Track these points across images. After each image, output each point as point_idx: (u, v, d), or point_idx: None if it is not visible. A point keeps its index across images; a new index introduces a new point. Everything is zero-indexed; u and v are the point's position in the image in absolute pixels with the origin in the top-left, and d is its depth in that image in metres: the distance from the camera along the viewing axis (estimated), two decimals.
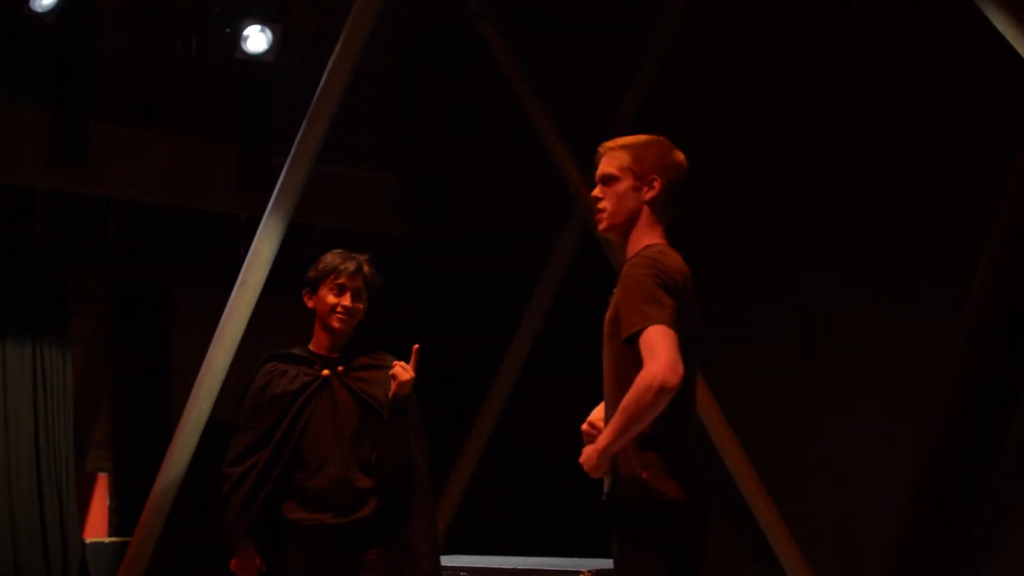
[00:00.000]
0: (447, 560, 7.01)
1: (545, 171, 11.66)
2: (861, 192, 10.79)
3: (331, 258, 5.73)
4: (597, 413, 4.69)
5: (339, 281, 5.65)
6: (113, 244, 12.45)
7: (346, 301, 5.63)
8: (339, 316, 5.63)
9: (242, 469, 5.62)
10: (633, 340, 4.31)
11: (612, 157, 4.61)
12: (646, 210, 4.58)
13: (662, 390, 4.21)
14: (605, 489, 4.58)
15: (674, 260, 4.50)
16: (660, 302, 4.31)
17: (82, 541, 12.14)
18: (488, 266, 12.73)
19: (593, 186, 4.70)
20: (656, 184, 4.56)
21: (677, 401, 4.34)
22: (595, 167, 4.68)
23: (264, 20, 11.74)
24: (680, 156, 4.63)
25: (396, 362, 5.54)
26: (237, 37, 11.76)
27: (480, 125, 13.13)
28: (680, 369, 4.23)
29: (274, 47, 11.76)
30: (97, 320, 12.86)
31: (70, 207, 12.12)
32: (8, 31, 11.60)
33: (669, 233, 4.63)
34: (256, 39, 11.74)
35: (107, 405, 12.90)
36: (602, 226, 4.65)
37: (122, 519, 12.47)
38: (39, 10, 10.97)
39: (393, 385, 5.47)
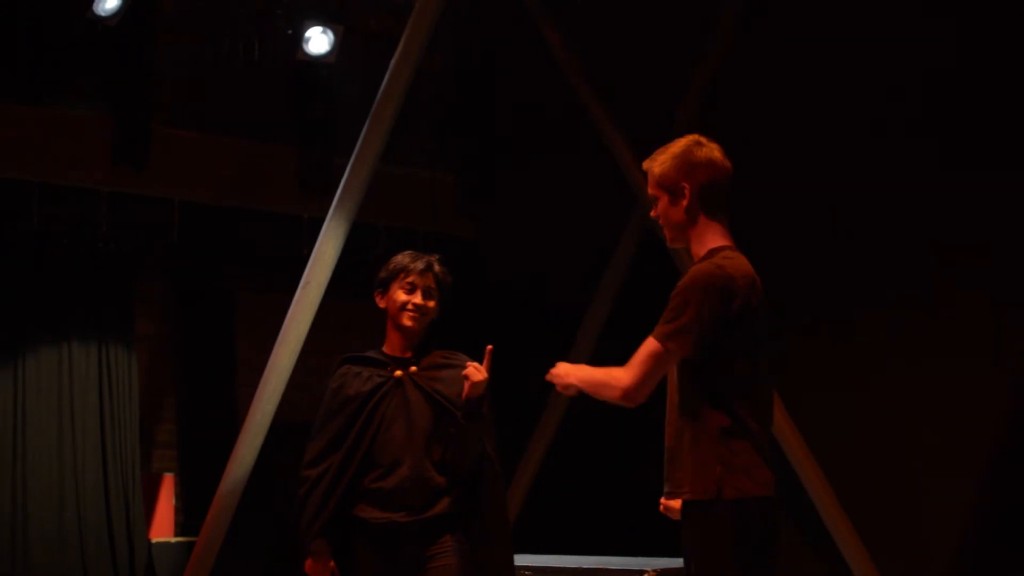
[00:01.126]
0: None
1: (606, 169, 11.62)
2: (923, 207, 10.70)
3: (401, 258, 5.75)
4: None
5: (409, 279, 5.66)
6: (176, 245, 12.52)
7: (417, 299, 5.64)
8: (410, 314, 5.64)
9: (317, 472, 5.62)
10: (651, 342, 4.46)
11: (649, 177, 4.73)
12: (692, 216, 4.65)
13: (616, 401, 4.52)
14: (667, 489, 4.62)
15: (738, 264, 4.55)
16: (694, 325, 4.39)
17: (148, 541, 12.21)
18: (550, 265, 12.71)
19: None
20: (686, 191, 4.64)
21: (749, 396, 4.45)
22: None
23: (325, 21, 11.76)
24: (705, 153, 4.67)
25: (469, 363, 5.54)
26: (298, 38, 11.79)
27: (541, 124, 13.10)
28: (641, 398, 4.47)
29: (335, 48, 11.78)
30: (161, 321, 12.95)
31: (133, 209, 12.19)
32: (71, 35, 11.69)
33: (733, 228, 4.69)
34: (317, 40, 11.76)
35: (172, 406, 12.98)
36: (668, 243, 4.80)
37: (188, 519, 12.55)
38: (102, 14, 11.04)
39: (466, 386, 5.47)
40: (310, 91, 13.08)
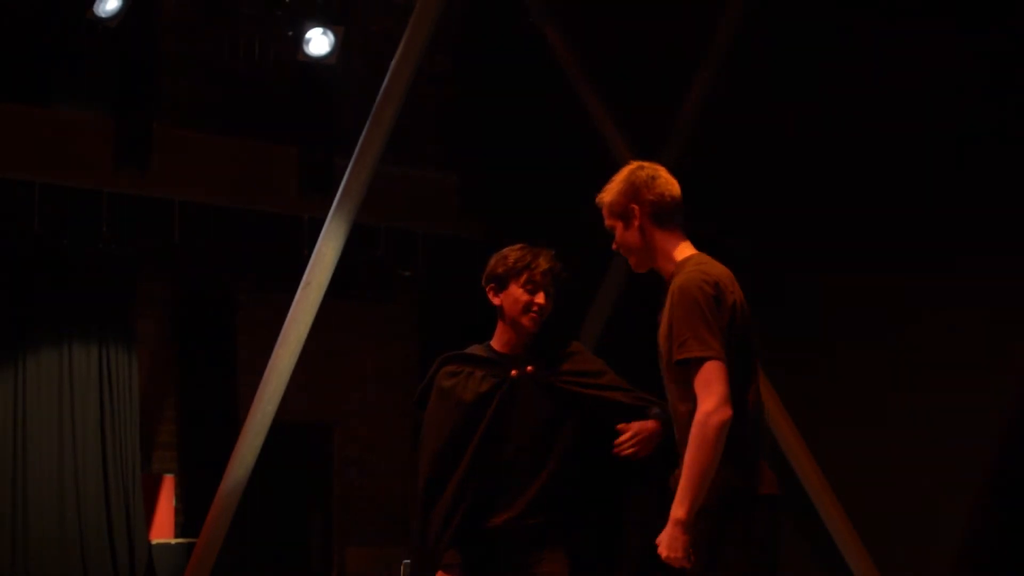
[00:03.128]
0: None
1: (607, 171, 11.61)
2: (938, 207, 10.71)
3: (521, 254, 5.44)
4: None
5: (533, 278, 5.39)
6: (178, 246, 12.52)
7: (540, 300, 5.37)
8: (533, 316, 5.36)
9: (440, 480, 5.34)
10: (687, 364, 4.47)
11: (603, 211, 4.87)
12: (648, 235, 4.78)
13: (722, 425, 4.39)
14: (672, 486, 4.59)
15: (715, 266, 4.64)
16: (713, 330, 4.46)
17: (148, 542, 12.21)
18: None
19: None
20: (636, 212, 4.77)
21: (746, 393, 4.55)
22: None
23: (326, 23, 11.77)
24: (647, 173, 4.82)
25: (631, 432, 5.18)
26: (299, 39, 11.79)
27: (542, 125, 13.10)
28: (729, 407, 4.41)
29: (336, 49, 11.78)
30: (162, 321, 12.96)
31: (135, 210, 12.19)
32: (73, 36, 11.70)
33: (695, 239, 4.76)
34: (318, 41, 11.77)
35: (172, 406, 12.99)
36: (634, 269, 4.89)
37: (188, 520, 12.55)
38: (103, 15, 11.05)
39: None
40: (311, 92, 13.08)
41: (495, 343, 5.46)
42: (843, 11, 11.11)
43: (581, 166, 12.45)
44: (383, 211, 12.68)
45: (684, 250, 4.74)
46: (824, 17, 11.19)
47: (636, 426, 5.15)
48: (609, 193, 4.85)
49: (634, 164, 4.88)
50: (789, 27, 11.49)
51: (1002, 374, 10.22)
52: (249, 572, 12.35)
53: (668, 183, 4.81)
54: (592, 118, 11.80)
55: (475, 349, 5.48)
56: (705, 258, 4.70)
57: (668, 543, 4.39)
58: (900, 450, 10.80)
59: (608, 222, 4.85)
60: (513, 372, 5.37)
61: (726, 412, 4.39)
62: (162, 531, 12.47)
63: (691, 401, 4.48)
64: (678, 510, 4.38)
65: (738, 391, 4.49)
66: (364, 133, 10.13)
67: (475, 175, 14.07)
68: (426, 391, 5.50)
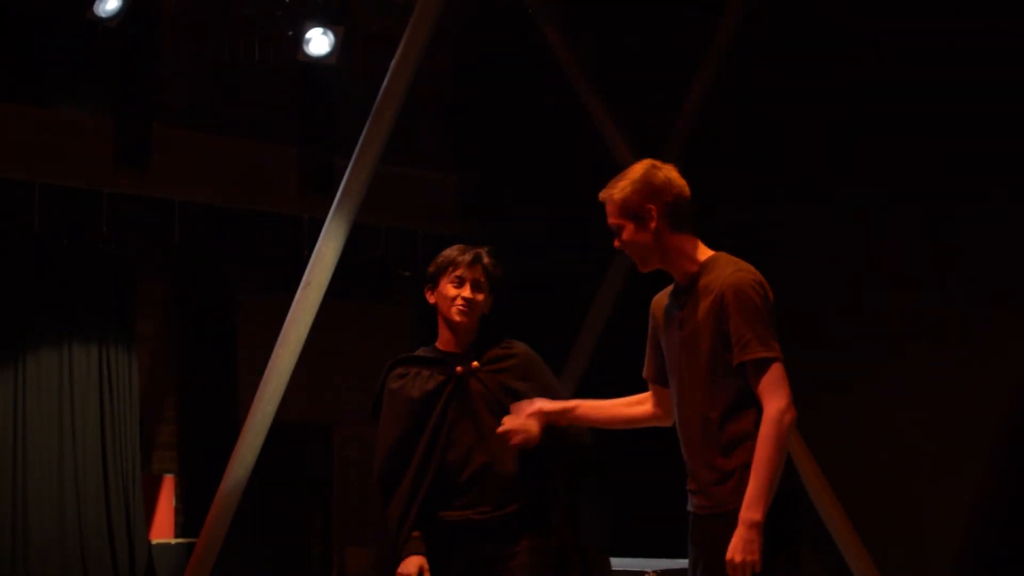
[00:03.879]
0: None
1: (607, 171, 11.61)
2: (930, 194, 10.71)
3: (449, 251, 5.59)
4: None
5: (457, 273, 5.50)
6: (177, 246, 12.53)
7: (466, 292, 5.49)
8: (459, 308, 5.47)
9: (393, 478, 5.49)
10: (756, 366, 4.46)
11: (608, 210, 4.77)
12: (663, 236, 4.69)
13: (791, 423, 4.47)
14: (693, 487, 4.62)
15: (748, 265, 4.63)
16: (771, 330, 4.49)
17: (148, 542, 12.22)
18: (550, 266, 12.72)
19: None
20: (653, 213, 4.68)
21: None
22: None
23: (326, 22, 11.77)
24: (664, 174, 4.72)
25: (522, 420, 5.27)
26: (299, 39, 11.80)
27: (542, 125, 13.11)
28: (793, 402, 4.48)
29: (336, 49, 11.78)
30: (162, 321, 12.96)
31: (135, 210, 12.20)
32: (73, 36, 11.70)
33: (706, 240, 4.74)
34: (318, 41, 11.77)
35: (172, 406, 12.99)
36: (640, 269, 4.82)
37: (188, 520, 12.55)
38: (103, 15, 11.05)
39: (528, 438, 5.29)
40: (311, 92, 13.08)
41: (439, 343, 5.59)
42: (843, 10, 11.12)
43: (581, 166, 12.47)
44: (383, 211, 12.68)
45: (703, 249, 4.70)
46: (824, 16, 11.20)
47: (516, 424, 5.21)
48: (621, 191, 4.73)
49: (647, 163, 4.78)
50: (789, 27, 11.51)
51: (1003, 372, 10.23)
52: (249, 572, 12.35)
53: (683, 184, 4.74)
54: (592, 118, 11.80)
55: (421, 351, 5.62)
56: (736, 259, 4.67)
57: (744, 547, 4.36)
58: (900, 449, 10.81)
59: (615, 220, 4.75)
60: (459, 368, 5.48)
61: (794, 412, 4.45)
62: (162, 531, 12.47)
63: (734, 404, 4.49)
64: (753, 512, 4.37)
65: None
66: (364, 133, 10.12)
67: (475, 175, 14.07)
68: (379, 397, 5.66)
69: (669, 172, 4.74)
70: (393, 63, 10.12)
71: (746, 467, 4.45)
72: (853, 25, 11.13)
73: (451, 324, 5.54)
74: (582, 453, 5.53)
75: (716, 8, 11.81)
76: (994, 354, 10.25)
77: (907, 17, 10.68)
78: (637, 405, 5.07)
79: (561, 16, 12.02)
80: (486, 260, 5.56)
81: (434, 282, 5.56)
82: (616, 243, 4.80)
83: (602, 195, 4.79)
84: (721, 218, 11.55)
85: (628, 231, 4.71)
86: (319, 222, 10.38)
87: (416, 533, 5.41)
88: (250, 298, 13.20)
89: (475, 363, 5.51)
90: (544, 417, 5.11)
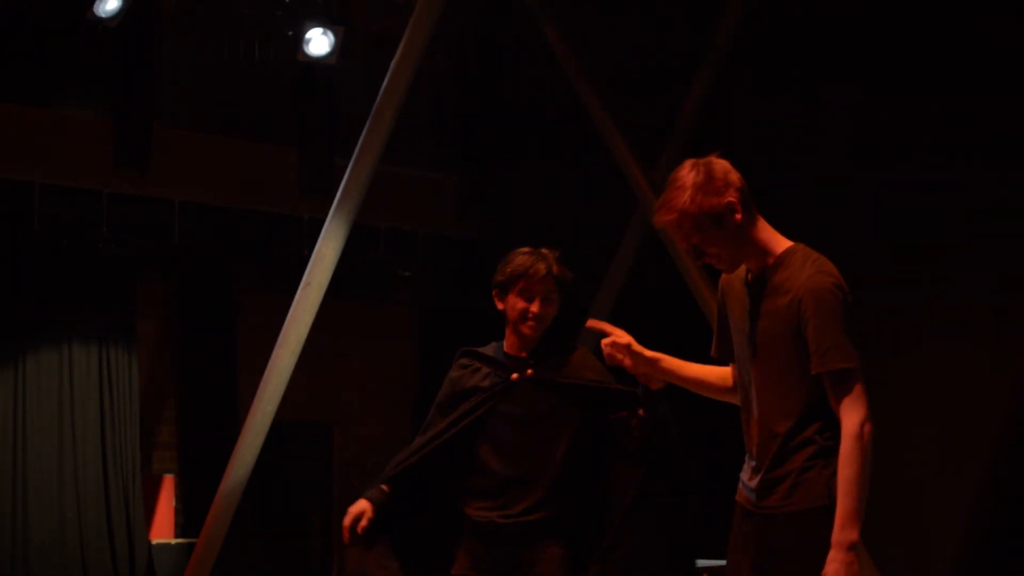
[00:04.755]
0: None
1: (608, 171, 11.63)
2: (932, 191, 10.70)
3: (520, 260, 5.45)
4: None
5: (529, 286, 5.42)
6: (177, 246, 12.53)
7: (536, 308, 5.41)
8: (530, 324, 5.41)
9: (418, 441, 5.53)
10: (836, 376, 4.32)
11: (685, 228, 4.46)
12: (748, 227, 4.49)
13: (871, 435, 4.29)
14: (752, 484, 4.52)
15: (827, 260, 4.49)
16: (852, 337, 4.34)
17: (148, 542, 12.21)
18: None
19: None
20: (735, 204, 4.44)
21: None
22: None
23: (326, 23, 11.77)
24: (719, 164, 4.50)
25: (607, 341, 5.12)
26: (299, 40, 11.80)
27: (542, 125, 13.11)
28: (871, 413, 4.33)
29: (336, 49, 11.78)
30: (162, 321, 12.96)
31: (134, 210, 12.20)
32: (73, 36, 11.70)
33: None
34: (318, 42, 11.77)
35: (172, 406, 12.99)
36: (729, 272, 4.63)
37: (188, 520, 12.55)
38: (103, 15, 11.05)
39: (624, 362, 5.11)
40: (311, 92, 13.08)
41: (505, 345, 5.53)
42: (843, 9, 11.13)
43: (581, 166, 12.47)
44: (383, 211, 12.68)
45: (780, 238, 4.53)
46: (824, 15, 11.21)
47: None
48: (692, 201, 4.41)
49: (689, 163, 4.51)
50: (789, 26, 11.51)
51: (1006, 372, 10.23)
52: (249, 572, 12.34)
53: (731, 168, 4.51)
54: (592, 118, 11.79)
55: (489, 348, 5.56)
56: (815, 252, 4.49)
57: (844, 570, 4.24)
58: (901, 448, 10.80)
59: (697, 235, 4.46)
60: (514, 376, 5.43)
61: (872, 423, 4.30)
62: (162, 531, 12.47)
63: (809, 409, 4.37)
64: (849, 533, 4.25)
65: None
66: (364, 133, 10.12)
67: (475, 175, 14.07)
68: (445, 381, 5.62)
69: (719, 161, 4.51)
70: (393, 63, 10.12)
71: (802, 471, 4.36)
72: (853, 23, 11.13)
73: (519, 334, 5.47)
74: (670, 452, 5.39)
75: (716, 8, 11.80)
76: (997, 354, 10.25)
77: (907, 16, 10.68)
78: (720, 377, 4.84)
79: (561, 16, 12.01)
80: (556, 270, 5.43)
81: (503, 290, 5.47)
82: (699, 260, 4.58)
83: (666, 218, 4.45)
84: None
85: (718, 238, 4.45)
86: (319, 222, 10.37)
87: (385, 487, 5.41)
88: (250, 298, 13.19)
89: (529, 371, 5.44)
90: (629, 352, 4.89)
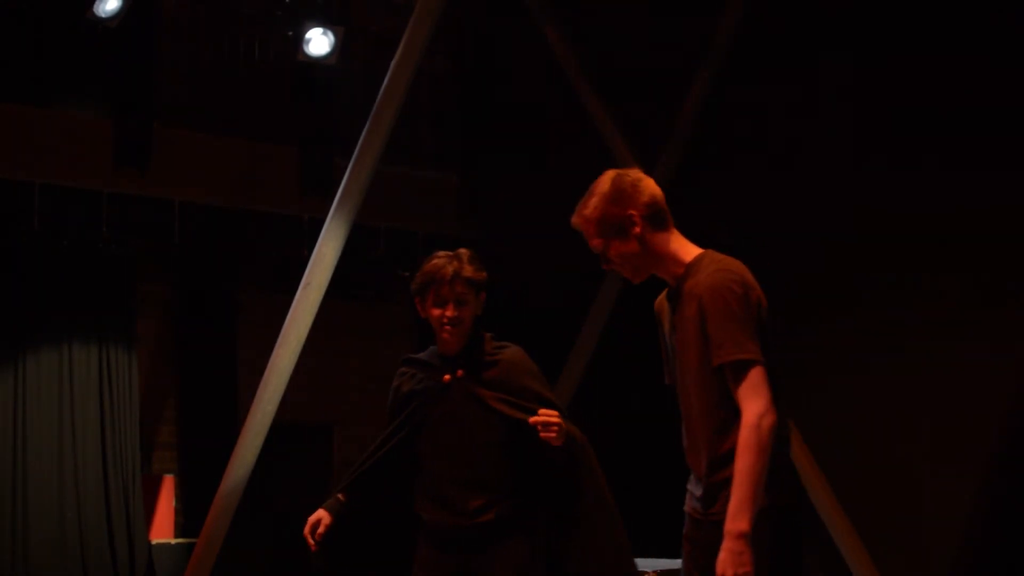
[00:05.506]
0: None
1: (607, 168, 11.62)
2: (920, 195, 10.71)
3: (430, 265, 5.56)
4: None
5: (440, 292, 5.49)
6: (177, 246, 12.52)
7: (449, 312, 5.48)
8: (447, 328, 5.48)
9: (364, 455, 5.67)
10: (732, 370, 4.34)
11: (588, 233, 4.65)
12: (649, 241, 4.58)
13: (772, 428, 4.27)
14: (698, 493, 4.55)
15: (736, 263, 4.50)
16: (748, 331, 4.34)
17: (148, 542, 12.21)
18: (550, 266, 12.71)
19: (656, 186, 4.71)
20: (635, 217, 4.56)
21: (778, 395, 4.39)
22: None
23: (326, 23, 11.77)
24: (632, 177, 4.63)
25: (540, 413, 5.31)
26: (299, 39, 11.79)
27: (542, 125, 13.11)
28: (773, 412, 4.30)
29: (336, 49, 11.78)
30: (162, 321, 12.95)
31: (135, 210, 12.20)
32: (73, 36, 11.70)
33: (704, 238, 4.65)
34: (318, 42, 11.77)
35: (173, 406, 12.98)
36: (634, 281, 4.70)
37: (188, 520, 12.54)
38: (103, 15, 11.05)
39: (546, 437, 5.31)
40: (311, 92, 13.09)
41: (438, 348, 5.63)
42: (842, 9, 11.13)
43: (581, 166, 12.46)
44: (383, 211, 12.68)
45: (690, 248, 4.59)
46: (823, 15, 11.21)
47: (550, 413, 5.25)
48: (595, 208, 4.61)
49: (610, 173, 4.66)
50: (788, 26, 11.51)
51: (1005, 372, 10.23)
52: (249, 572, 12.34)
53: (653, 184, 4.63)
54: (592, 118, 11.80)
55: (425, 353, 5.67)
56: (720, 255, 4.54)
57: (734, 560, 4.21)
58: (900, 448, 10.81)
59: (597, 240, 4.63)
60: (446, 377, 5.50)
61: (774, 415, 4.28)
62: (162, 531, 12.47)
63: (725, 406, 4.37)
64: (740, 522, 4.22)
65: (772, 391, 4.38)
66: (364, 133, 10.12)
67: (475, 175, 14.07)
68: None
69: (636, 175, 4.65)
70: (393, 63, 10.12)
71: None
72: (852, 23, 11.13)
73: (440, 339, 5.56)
74: (577, 453, 5.50)
75: (716, 8, 11.81)
76: (996, 353, 10.24)
77: (906, 16, 10.69)
78: None
79: (561, 16, 12.01)
80: (465, 273, 5.49)
81: (421, 296, 5.57)
82: (605, 265, 4.70)
83: (575, 220, 4.68)
84: (720, 217, 11.58)
85: (615, 246, 4.60)
86: (319, 222, 10.37)
87: (341, 496, 5.57)
88: (250, 298, 13.19)
89: (460, 372, 5.51)
90: None
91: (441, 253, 5.58)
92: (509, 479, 5.43)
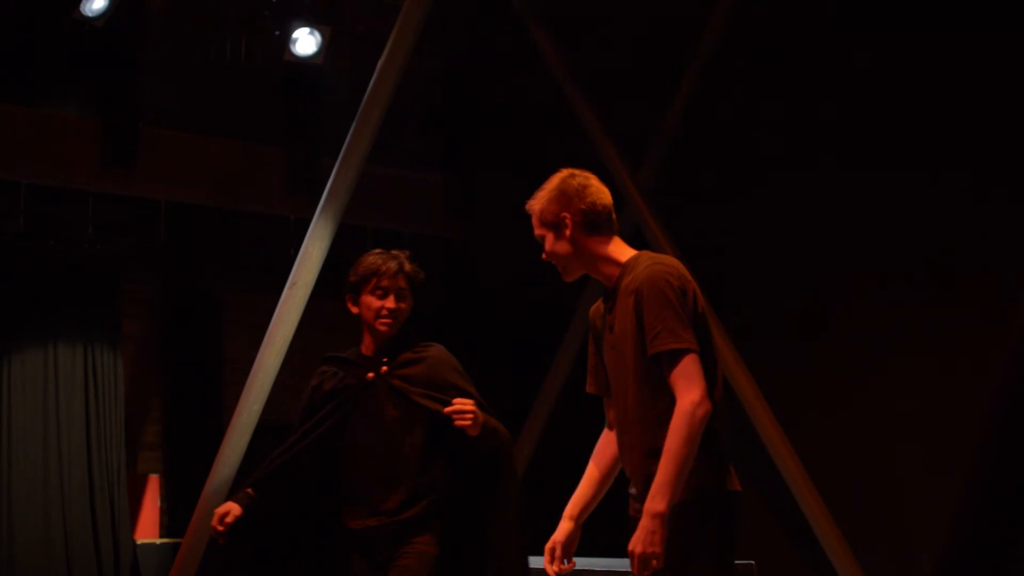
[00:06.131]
0: None
1: (594, 170, 11.62)
2: (911, 199, 10.73)
3: (371, 260, 5.69)
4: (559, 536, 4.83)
5: (382, 284, 5.61)
6: (163, 246, 12.51)
7: (390, 304, 5.61)
8: (384, 320, 5.59)
9: (279, 451, 5.67)
10: (668, 358, 4.41)
11: (532, 221, 4.82)
12: (580, 243, 4.73)
13: (705, 417, 4.34)
14: (633, 491, 4.61)
15: (672, 259, 4.62)
16: (684, 322, 4.43)
17: (133, 542, 12.19)
18: (537, 266, 12.71)
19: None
20: (567, 220, 4.72)
21: (713, 385, 4.48)
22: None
23: (313, 23, 11.76)
24: (578, 182, 4.78)
25: (455, 402, 5.42)
26: (286, 40, 11.78)
27: (529, 126, 13.11)
28: (708, 401, 4.36)
29: (323, 49, 11.78)
30: (148, 321, 12.92)
31: (120, 210, 12.18)
32: (59, 36, 11.68)
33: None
34: (305, 41, 11.76)
35: (158, 407, 12.96)
36: (564, 278, 4.85)
37: (173, 520, 12.52)
38: (89, 15, 11.04)
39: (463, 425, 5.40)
40: (297, 92, 13.08)
41: (361, 347, 5.71)
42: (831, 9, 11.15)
43: (567, 167, 12.46)
44: (369, 211, 12.67)
45: (626, 251, 4.70)
46: (813, 15, 11.23)
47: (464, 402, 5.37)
48: (539, 201, 4.80)
49: (565, 172, 4.83)
50: (776, 27, 11.53)
51: (991, 376, 10.24)
52: (235, 572, 12.31)
53: (599, 191, 4.76)
54: (579, 119, 11.81)
55: (348, 352, 5.74)
56: (656, 255, 4.67)
57: (646, 538, 4.26)
58: (886, 451, 10.83)
59: (538, 231, 4.80)
60: (369, 375, 5.58)
61: (708, 404, 4.34)
62: (147, 531, 12.45)
63: (665, 397, 4.43)
64: (658, 503, 4.27)
65: (708, 384, 4.43)
66: (350, 133, 10.12)
67: (461, 176, 14.07)
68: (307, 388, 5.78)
69: (585, 180, 4.78)
70: (380, 63, 10.12)
71: None
72: (842, 23, 11.15)
73: (374, 332, 5.62)
74: (502, 448, 5.59)
75: (703, 11, 11.82)
76: (984, 358, 10.26)
77: (897, 17, 10.70)
78: (606, 453, 4.90)
79: (548, 17, 12.02)
80: (408, 268, 5.65)
81: (357, 291, 5.65)
82: (544, 255, 4.83)
83: (526, 206, 4.85)
84: (706, 221, 11.60)
85: (549, 241, 4.76)
86: (305, 222, 10.37)
87: (250, 490, 5.61)
88: (236, 298, 13.17)
89: (384, 368, 5.58)
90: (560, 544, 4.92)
91: (377, 251, 5.72)
92: (429, 476, 5.50)
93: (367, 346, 5.70)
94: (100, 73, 12.17)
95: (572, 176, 4.79)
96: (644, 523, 4.29)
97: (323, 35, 11.77)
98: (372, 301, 5.62)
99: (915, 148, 10.60)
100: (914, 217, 10.60)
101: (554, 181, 4.80)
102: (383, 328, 5.61)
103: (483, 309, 12.77)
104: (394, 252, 5.74)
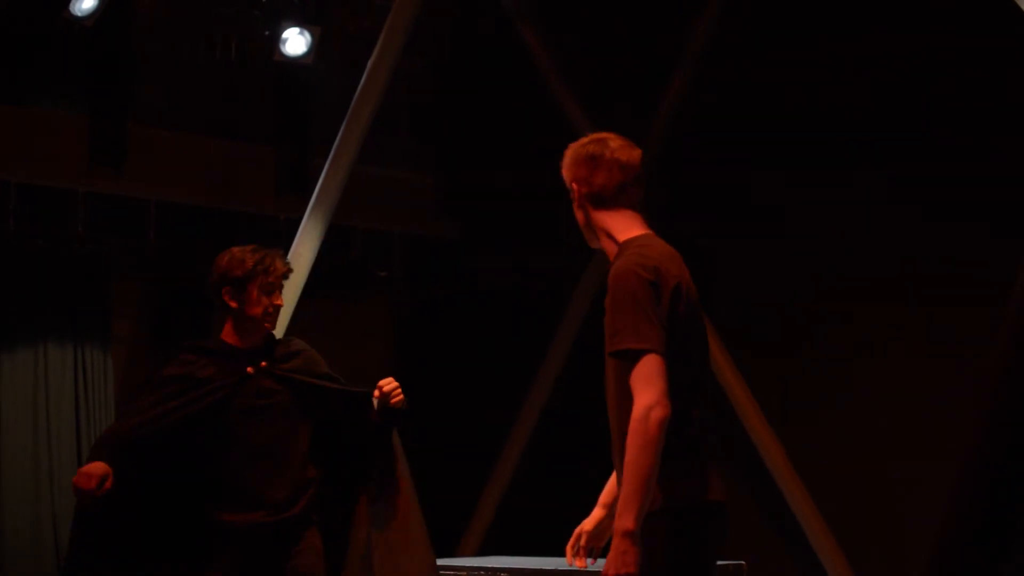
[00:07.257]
0: (487, 561, 6.97)
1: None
2: (899, 203, 10.73)
3: (259, 256, 5.64)
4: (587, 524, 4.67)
5: (270, 280, 5.59)
6: (153, 246, 12.48)
7: (278, 301, 5.62)
8: (271, 316, 5.59)
9: (131, 423, 5.44)
10: (622, 356, 4.15)
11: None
12: (589, 214, 4.49)
13: (662, 423, 4.04)
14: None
15: (658, 248, 4.35)
16: (651, 319, 4.13)
17: None
18: (528, 266, 12.72)
19: None
20: (575, 189, 4.50)
21: (687, 390, 4.21)
22: None
23: (303, 22, 11.74)
24: (590, 149, 4.47)
25: (384, 381, 5.52)
26: (276, 39, 11.77)
27: (520, 125, 13.11)
28: (665, 404, 4.07)
29: (313, 49, 11.76)
30: (138, 322, 12.90)
31: (110, 209, 12.15)
32: (48, 35, 11.65)
33: (649, 219, 4.52)
34: (295, 41, 11.74)
35: None
36: (590, 244, 4.64)
37: None
38: (79, 14, 11.01)
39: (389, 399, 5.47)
40: (287, 92, 13.05)
41: (227, 339, 5.59)
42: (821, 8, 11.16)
43: (558, 167, 12.46)
44: (359, 212, 12.66)
45: (629, 230, 4.42)
46: (801, 16, 11.24)
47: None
48: (564, 158, 4.54)
49: (588, 137, 4.54)
50: (766, 25, 11.54)
51: (982, 376, 10.25)
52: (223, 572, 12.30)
53: (613, 161, 4.43)
54: (568, 118, 11.81)
55: (210, 343, 5.64)
56: (649, 239, 4.38)
57: (619, 559, 3.99)
58: (877, 451, 10.83)
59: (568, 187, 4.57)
60: (249, 369, 5.51)
61: (665, 409, 4.03)
62: None
63: (630, 400, 4.13)
64: (625, 521, 4.01)
65: (685, 387, 4.18)
66: (340, 133, 10.12)
67: (452, 176, 14.06)
68: (153, 377, 5.63)
69: (598, 147, 4.47)
70: (370, 63, 10.12)
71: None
72: (830, 22, 11.15)
73: (256, 327, 5.56)
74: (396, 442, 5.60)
75: (692, 9, 11.83)
76: (974, 357, 10.27)
77: (887, 15, 10.71)
78: None
79: (538, 16, 12.02)
80: (288, 266, 5.68)
81: (240, 286, 5.56)
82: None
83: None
84: (697, 219, 11.60)
85: (572, 201, 4.56)
86: (295, 222, 10.37)
87: (100, 462, 5.25)
88: None
89: (264, 363, 5.54)
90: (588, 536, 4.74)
91: (247, 247, 5.69)
92: (311, 471, 5.48)
93: (236, 339, 5.60)
94: (90, 72, 12.14)
95: (588, 143, 4.49)
96: (615, 543, 4.03)
97: (313, 35, 11.75)
98: (261, 297, 5.57)
99: (912, 148, 10.61)
100: (909, 218, 10.61)
101: (573, 147, 4.51)
102: (269, 324, 5.60)
103: (473, 309, 12.76)
104: (268, 249, 5.71)
